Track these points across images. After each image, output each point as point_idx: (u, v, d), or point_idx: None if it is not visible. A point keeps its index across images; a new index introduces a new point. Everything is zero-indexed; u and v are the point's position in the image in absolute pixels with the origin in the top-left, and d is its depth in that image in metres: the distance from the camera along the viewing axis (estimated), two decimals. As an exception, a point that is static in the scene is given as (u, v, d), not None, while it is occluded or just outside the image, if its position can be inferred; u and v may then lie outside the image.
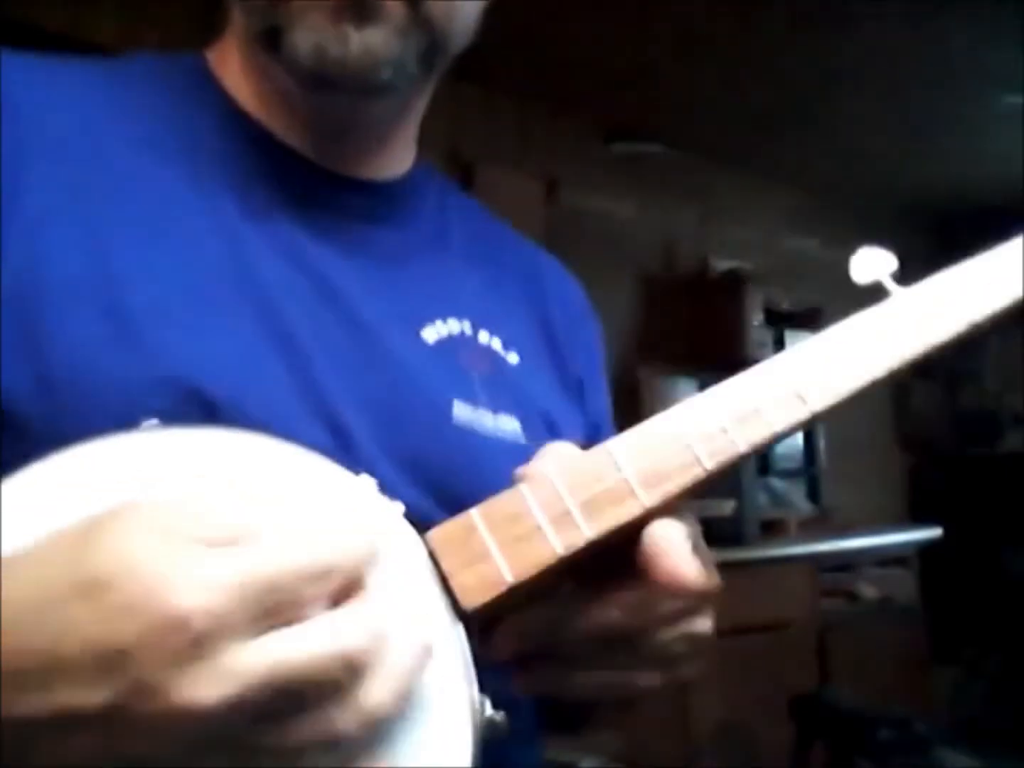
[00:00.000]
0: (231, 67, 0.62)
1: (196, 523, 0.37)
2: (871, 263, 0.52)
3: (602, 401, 0.72)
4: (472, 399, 0.60)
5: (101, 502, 0.40)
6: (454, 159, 3.06)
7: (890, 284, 0.53)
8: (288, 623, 0.36)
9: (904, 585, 3.90)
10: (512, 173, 3.19)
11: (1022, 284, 0.53)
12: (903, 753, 2.21)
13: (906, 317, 0.52)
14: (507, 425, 0.61)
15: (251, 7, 0.57)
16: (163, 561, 0.35)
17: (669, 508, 0.48)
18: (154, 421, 0.45)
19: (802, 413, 0.50)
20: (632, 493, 0.47)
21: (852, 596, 3.64)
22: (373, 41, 0.55)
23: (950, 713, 3.63)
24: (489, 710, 0.43)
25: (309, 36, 0.55)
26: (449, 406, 0.59)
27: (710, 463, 0.48)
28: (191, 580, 0.35)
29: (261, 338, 0.54)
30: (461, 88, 2.92)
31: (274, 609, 0.36)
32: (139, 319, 0.51)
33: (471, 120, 3.14)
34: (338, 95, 0.58)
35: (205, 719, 0.34)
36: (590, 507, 0.47)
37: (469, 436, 0.59)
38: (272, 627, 0.36)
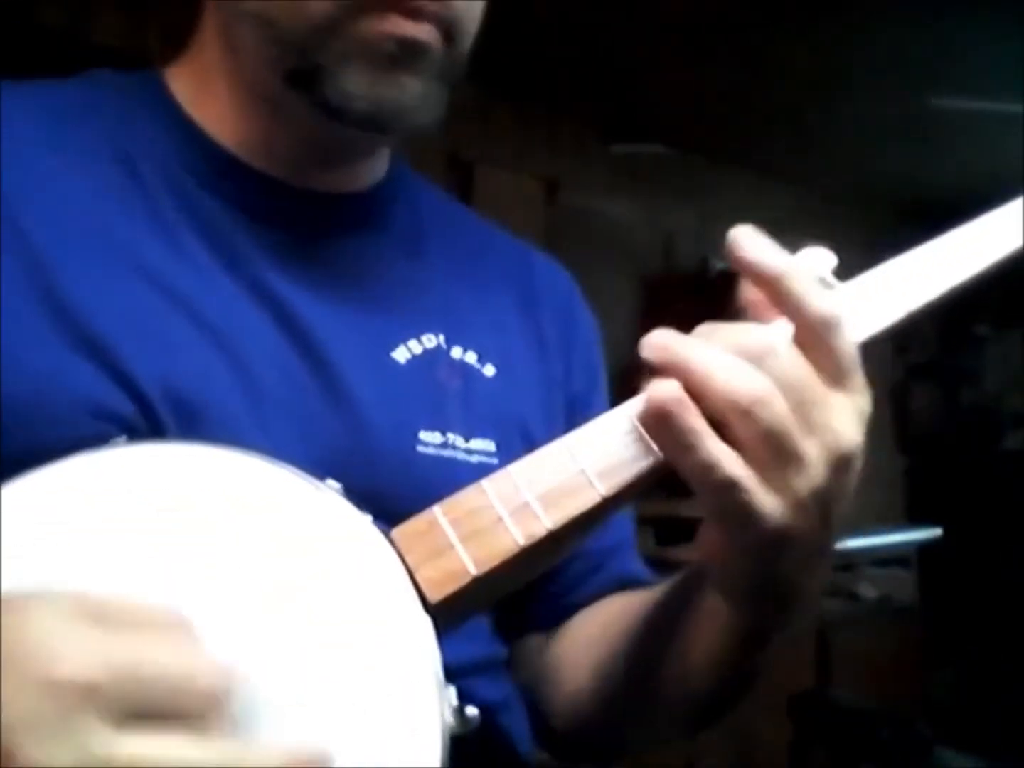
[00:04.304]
0: (196, 87, 0.61)
1: (97, 609, 0.37)
2: (812, 262, 0.54)
3: (601, 406, 0.71)
4: (442, 424, 0.59)
5: (94, 514, 0.41)
6: (454, 160, 3.06)
7: (831, 279, 0.55)
8: (158, 724, 0.36)
9: (904, 585, 3.91)
10: (512, 174, 3.19)
11: (954, 275, 0.55)
12: (903, 753, 2.21)
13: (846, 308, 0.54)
14: (480, 447, 0.60)
15: (286, 44, 0.55)
16: (55, 631, 0.36)
17: (628, 496, 0.49)
18: (123, 438, 0.46)
19: None
20: (589, 484, 0.48)
21: (852, 596, 3.64)
22: (423, 88, 0.55)
23: (950, 713, 3.63)
24: (455, 703, 0.43)
25: (363, 81, 0.54)
26: (413, 437, 0.58)
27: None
28: (76, 652, 0.35)
29: (218, 372, 0.54)
30: (460, 89, 2.92)
31: (148, 705, 0.36)
32: (95, 352, 0.51)
33: (470, 121, 3.14)
34: (362, 132, 0.58)
35: None
36: (549, 498, 0.48)
37: (435, 466, 0.58)
38: (140, 723, 0.35)
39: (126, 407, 0.50)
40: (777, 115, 3.48)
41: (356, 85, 0.54)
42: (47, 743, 0.34)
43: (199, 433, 0.50)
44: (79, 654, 0.35)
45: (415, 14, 0.54)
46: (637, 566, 0.72)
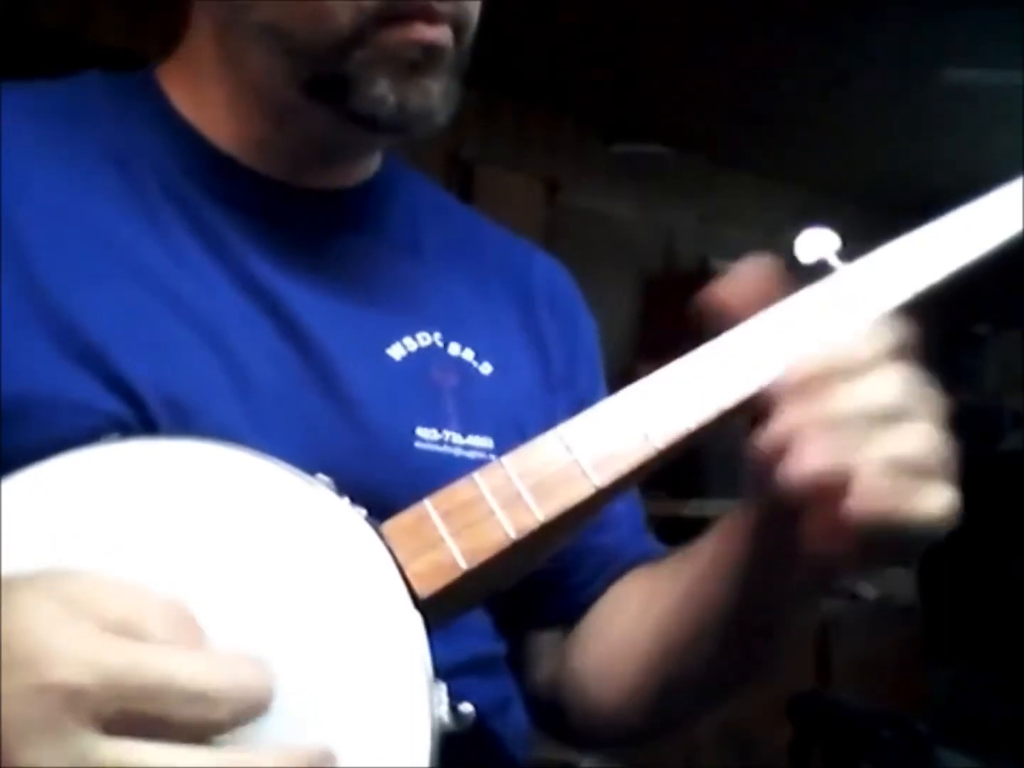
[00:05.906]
0: (189, 87, 0.61)
1: (102, 602, 0.37)
2: (816, 243, 0.54)
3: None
4: (439, 421, 0.59)
5: (82, 510, 0.41)
6: (454, 160, 3.07)
7: (835, 261, 0.54)
8: (148, 735, 0.36)
9: (904, 585, 3.90)
10: (512, 173, 3.19)
11: (960, 255, 0.55)
12: (903, 753, 2.20)
13: (850, 290, 0.53)
14: (478, 444, 0.60)
15: (305, 55, 0.55)
16: (55, 630, 0.36)
17: (622, 487, 0.49)
18: (115, 434, 0.46)
19: (751, 387, 0.50)
20: (583, 474, 0.48)
21: (852, 596, 3.64)
22: (442, 88, 0.56)
23: (950, 713, 3.63)
24: (446, 700, 0.42)
25: (390, 89, 0.54)
26: (411, 434, 0.58)
27: (660, 442, 0.49)
28: (73, 655, 0.35)
29: (212, 371, 0.54)
30: (460, 89, 2.92)
31: (138, 714, 0.36)
32: (87, 354, 0.51)
33: (471, 121, 3.14)
34: (383, 135, 0.58)
35: None
36: (541, 490, 0.47)
37: (433, 463, 0.57)
38: (129, 730, 0.35)
39: (119, 409, 0.50)
40: (777, 115, 3.47)
41: (384, 93, 0.55)
42: (36, 745, 0.34)
43: (193, 433, 0.49)
44: (72, 660, 0.35)
45: (434, 18, 0.55)
46: (652, 545, 0.71)
